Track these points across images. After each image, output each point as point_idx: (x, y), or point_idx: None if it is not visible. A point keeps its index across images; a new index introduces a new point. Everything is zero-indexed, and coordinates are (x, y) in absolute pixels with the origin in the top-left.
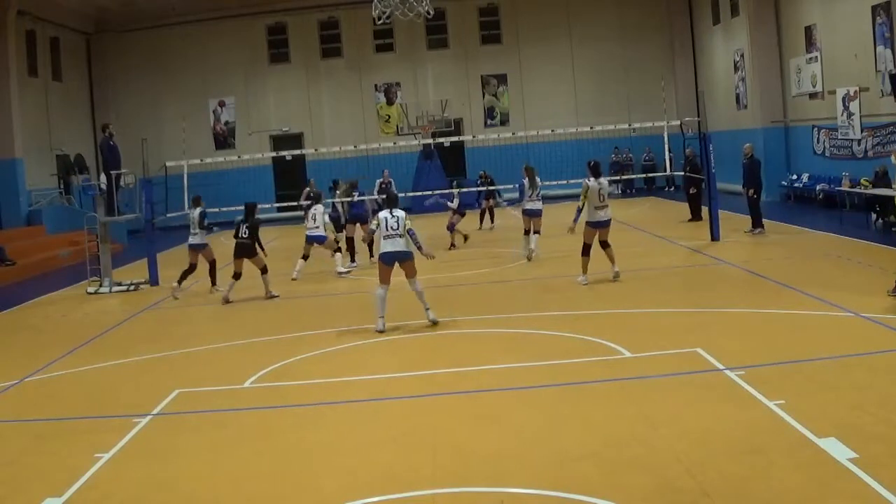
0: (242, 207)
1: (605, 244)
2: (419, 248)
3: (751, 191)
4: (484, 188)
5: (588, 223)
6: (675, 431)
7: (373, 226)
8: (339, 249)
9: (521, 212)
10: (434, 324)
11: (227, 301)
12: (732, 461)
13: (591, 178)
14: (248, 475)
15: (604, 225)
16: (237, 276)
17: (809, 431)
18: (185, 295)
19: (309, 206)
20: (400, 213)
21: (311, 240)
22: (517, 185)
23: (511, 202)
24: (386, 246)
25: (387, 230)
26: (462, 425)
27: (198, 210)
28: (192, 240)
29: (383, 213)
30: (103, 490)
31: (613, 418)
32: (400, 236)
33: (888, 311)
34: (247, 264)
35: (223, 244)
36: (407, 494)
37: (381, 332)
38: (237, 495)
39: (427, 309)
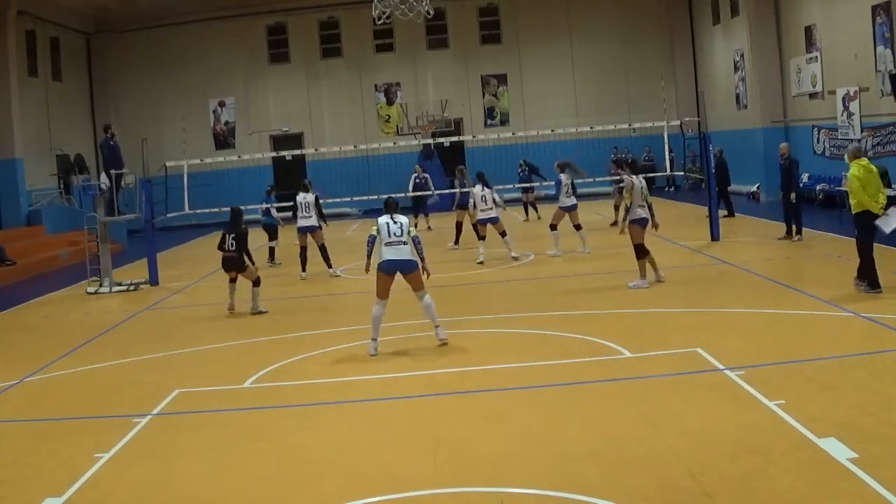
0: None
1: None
2: (422, 259)
3: (792, 195)
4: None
5: (632, 222)
6: (675, 431)
7: (373, 231)
8: (504, 233)
9: (557, 207)
10: (443, 343)
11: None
12: (732, 461)
13: (634, 176)
14: (248, 475)
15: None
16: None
17: (809, 431)
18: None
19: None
20: (402, 218)
21: (483, 221)
22: (555, 182)
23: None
24: (388, 253)
25: (389, 236)
26: (462, 425)
27: (313, 195)
28: (303, 222)
29: (383, 219)
30: (103, 490)
31: (614, 418)
32: (404, 243)
33: (888, 311)
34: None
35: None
36: (407, 494)
37: (374, 356)
38: (237, 495)
39: (437, 326)
